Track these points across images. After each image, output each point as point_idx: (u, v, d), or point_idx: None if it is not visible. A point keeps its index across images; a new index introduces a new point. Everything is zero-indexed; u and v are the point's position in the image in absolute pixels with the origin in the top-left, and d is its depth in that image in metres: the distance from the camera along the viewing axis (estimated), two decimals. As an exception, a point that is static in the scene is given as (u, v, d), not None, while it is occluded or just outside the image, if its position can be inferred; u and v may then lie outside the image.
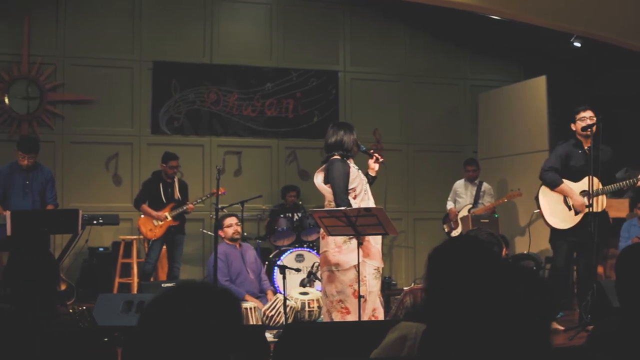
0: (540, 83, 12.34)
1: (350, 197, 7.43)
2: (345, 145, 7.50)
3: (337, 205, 7.25)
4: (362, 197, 7.49)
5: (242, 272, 9.65)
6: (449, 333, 2.47)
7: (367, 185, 7.64)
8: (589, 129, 8.39)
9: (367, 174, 7.69)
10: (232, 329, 2.16)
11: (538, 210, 9.04)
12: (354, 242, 7.23)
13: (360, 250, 7.21)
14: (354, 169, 7.48)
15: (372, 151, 7.85)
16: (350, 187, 7.42)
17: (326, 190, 7.50)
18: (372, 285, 7.42)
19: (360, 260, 7.22)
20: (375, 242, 7.50)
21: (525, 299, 2.41)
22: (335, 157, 7.47)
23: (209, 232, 12.02)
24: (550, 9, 11.23)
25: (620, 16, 11.31)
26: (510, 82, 13.67)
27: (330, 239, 7.38)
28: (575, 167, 8.71)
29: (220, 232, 9.84)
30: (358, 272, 7.09)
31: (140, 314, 2.19)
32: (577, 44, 12.29)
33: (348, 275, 7.26)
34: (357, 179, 7.47)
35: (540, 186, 8.92)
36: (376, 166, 7.80)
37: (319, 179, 7.64)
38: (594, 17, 11.29)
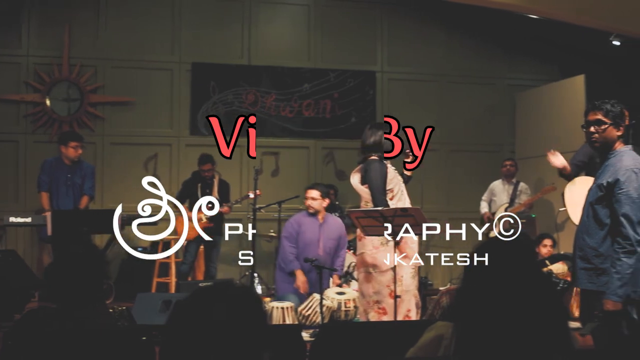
0: (578, 82, 12.27)
1: (387, 198, 7.46)
2: (384, 146, 7.51)
3: (376, 205, 7.27)
4: (399, 198, 7.51)
5: (311, 244, 9.59)
6: (478, 333, 2.51)
7: (403, 185, 7.66)
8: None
9: (402, 174, 7.71)
10: (255, 327, 2.21)
11: (564, 208, 8.97)
12: (392, 243, 7.27)
13: (396, 251, 7.24)
14: (391, 170, 7.50)
15: (408, 151, 7.87)
16: (387, 187, 7.44)
17: (363, 190, 7.53)
18: (408, 284, 7.45)
19: (397, 262, 7.26)
20: (411, 242, 7.52)
21: (544, 302, 2.47)
22: (373, 157, 7.49)
23: (247, 233, 12.05)
24: (588, 7, 11.17)
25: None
26: (548, 82, 13.61)
27: (368, 240, 7.41)
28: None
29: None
30: (395, 273, 7.12)
31: (168, 316, 2.24)
32: (616, 43, 12.19)
33: (385, 277, 7.29)
34: (394, 180, 7.49)
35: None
36: (412, 166, 7.81)
37: (355, 179, 7.66)
38: (633, 15, 11.22)
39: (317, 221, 9.65)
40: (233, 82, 13.06)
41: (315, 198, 9.64)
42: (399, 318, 7.27)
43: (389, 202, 7.39)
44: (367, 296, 7.50)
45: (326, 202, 9.73)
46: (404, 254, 7.40)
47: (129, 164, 12.55)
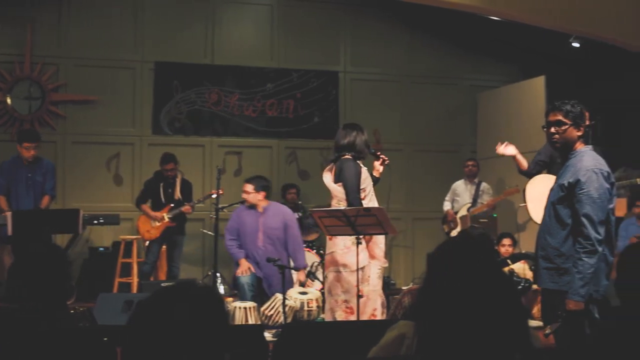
0: (539, 83, 12.35)
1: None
2: (358, 146, 7.59)
3: (350, 204, 7.31)
4: (370, 198, 7.57)
5: (250, 236, 9.61)
6: (439, 332, 2.53)
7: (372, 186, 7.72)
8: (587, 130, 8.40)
9: (371, 175, 7.76)
10: (217, 328, 2.21)
11: (524, 204, 9.06)
12: (363, 243, 7.33)
13: (366, 251, 7.32)
14: (364, 170, 7.56)
15: (379, 153, 7.95)
16: (361, 187, 7.49)
17: (336, 189, 7.56)
18: (374, 284, 7.52)
19: (366, 262, 7.34)
20: (380, 242, 7.58)
21: (504, 301, 2.49)
22: (347, 157, 7.54)
23: (209, 232, 12.04)
24: (548, 9, 11.25)
25: (618, 16, 11.34)
26: (509, 82, 13.70)
27: (340, 240, 7.45)
28: None
29: None
30: (358, 273, 7.15)
31: (129, 316, 2.23)
32: (576, 44, 12.31)
33: (354, 276, 7.32)
34: (367, 180, 7.56)
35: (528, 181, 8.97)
36: (381, 168, 7.89)
37: (327, 178, 7.71)
38: (592, 16, 11.32)
39: (256, 213, 9.65)
40: (196, 81, 13.02)
41: (248, 192, 9.67)
42: (365, 317, 7.33)
43: (362, 202, 7.44)
44: (336, 295, 7.53)
45: (261, 195, 9.66)
46: (372, 255, 7.49)
47: (90, 163, 12.47)
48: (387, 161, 7.94)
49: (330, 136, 13.08)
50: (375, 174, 7.88)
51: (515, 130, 12.62)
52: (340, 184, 7.52)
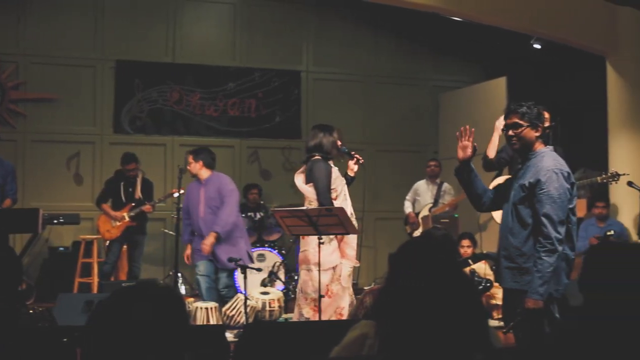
0: (500, 84, 12.42)
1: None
2: (324, 147, 7.63)
3: (321, 204, 7.33)
4: (343, 198, 7.59)
5: (194, 209, 9.52)
6: (401, 332, 2.53)
7: (346, 186, 7.74)
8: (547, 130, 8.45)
9: (346, 175, 7.80)
10: (177, 328, 2.20)
11: None
12: (335, 243, 7.37)
13: (338, 251, 7.37)
14: (335, 170, 7.60)
15: (353, 152, 7.99)
16: (331, 187, 7.52)
17: (307, 190, 7.59)
18: (344, 283, 7.54)
19: (338, 261, 7.38)
20: (352, 241, 7.63)
21: (464, 301, 2.50)
22: (317, 157, 7.58)
23: (171, 232, 11.98)
24: (510, 10, 11.31)
25: (578, 18, 11.43)
26: (472, 83, 13.75)
27: (312, 238, 7.46)
28: None
29: None
30: (319, 273, 7.16)
31: (88, 317, 2.21)
32: (537, 46, 12.38)
33: (326, 275, 7.36)
34: (337, 180, 7.59)
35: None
36: (355, 167, 7.93)
37: (299, 180, 7.74)
38: (553, 18, 11.39)
39: (199, 185, 9.56)
40: (158, 80, 12.96)
41: (189, 162, 9.60)
42: (331, 314, 7.36)
43: (333, 202, 7.47)
44: (306, 293, 7.55)
45: (199, 164, 9.48)
46: (344, 255, 7.53)
47: (51, 162, 12.36)
48: (362, 161, 7.99)
49: (292, 136, 13.19)
50: (350, 173, 7.93)
51: (477, 131, 12.53)
52: (311, 184, 7.55)
